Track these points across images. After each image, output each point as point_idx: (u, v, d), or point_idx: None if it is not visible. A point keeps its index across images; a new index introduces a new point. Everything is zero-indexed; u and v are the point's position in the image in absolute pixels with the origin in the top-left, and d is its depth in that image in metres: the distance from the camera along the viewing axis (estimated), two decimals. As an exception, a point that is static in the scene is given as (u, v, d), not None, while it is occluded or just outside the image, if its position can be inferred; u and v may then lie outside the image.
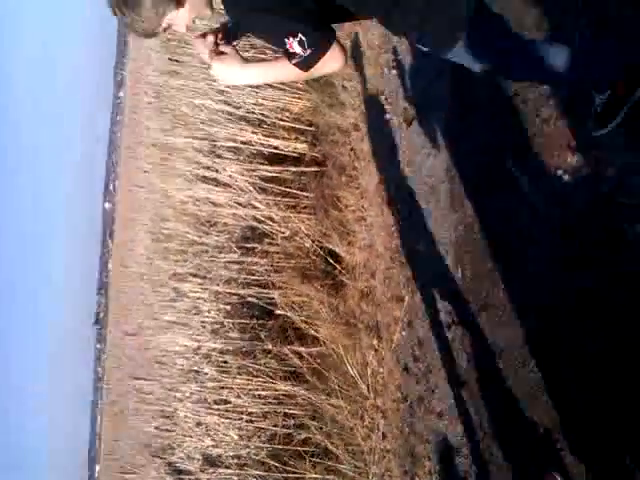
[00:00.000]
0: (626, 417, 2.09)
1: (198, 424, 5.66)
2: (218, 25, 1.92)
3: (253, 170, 5.24)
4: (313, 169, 5.00)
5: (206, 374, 5.57)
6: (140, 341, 6.92)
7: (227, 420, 5.29)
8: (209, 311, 5.61)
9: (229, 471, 5.33)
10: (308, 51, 1.71)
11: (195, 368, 5.77)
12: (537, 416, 2.54)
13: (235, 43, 1.90)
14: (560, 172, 2.60)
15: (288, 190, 5.02)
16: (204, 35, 1.85)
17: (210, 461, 5.62)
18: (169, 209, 6.26)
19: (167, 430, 6.19)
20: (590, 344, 2.28)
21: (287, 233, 4.94)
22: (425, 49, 1.96)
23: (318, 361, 4.56)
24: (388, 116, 4.34)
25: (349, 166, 4.62)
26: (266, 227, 5.09)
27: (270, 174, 5.15)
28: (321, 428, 4.58)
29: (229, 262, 5.41)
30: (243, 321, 5.28)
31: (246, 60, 1.86)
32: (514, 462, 2.70)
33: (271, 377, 4.97)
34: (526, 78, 2.44)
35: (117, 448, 8.04)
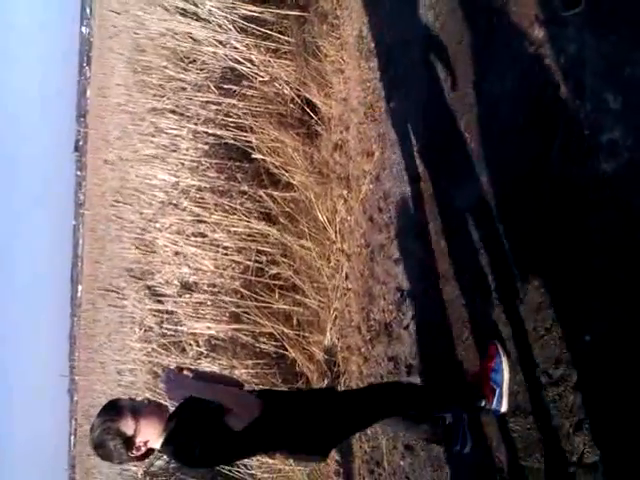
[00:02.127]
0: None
1: (176, 253, 5.97)
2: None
3: (234, 7, 5.09)
4: (295, 13, 4.87)
5: (184, 208, 5.78)
6: (120, 171, 7.04)
7: (204, 251, 5.59)
8: (187, 149, 5.70)
9: (204, 296, 5.77)
10: None
11: (174, 202, 5.97)
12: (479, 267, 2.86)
13: None
14: (527, 44, 2.70)
15: (269, 32, 4.92)
16: None
17: (187, 287, 6.04)
18: (147, 40, 6.10)
19: (146, 255, 6.50)
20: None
21: (266, 78, 4.94)
22: None
23: (291, 205, 4.80)
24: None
25: (331, 14, 4.52)
26: (245, 69, 5.06)
27: (251, 13, 5.01)
28: (290, 265, 4.96)
29: (207, 102, 5.41)
30: (220, 162, 5.41)
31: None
32: (455, 302, 3.05)
33: (246, 216, 5.23)
34: None
35: (99, 270, 8.44)
